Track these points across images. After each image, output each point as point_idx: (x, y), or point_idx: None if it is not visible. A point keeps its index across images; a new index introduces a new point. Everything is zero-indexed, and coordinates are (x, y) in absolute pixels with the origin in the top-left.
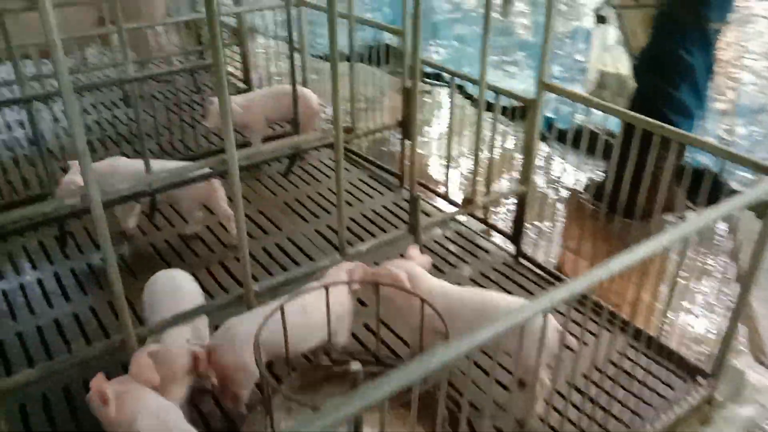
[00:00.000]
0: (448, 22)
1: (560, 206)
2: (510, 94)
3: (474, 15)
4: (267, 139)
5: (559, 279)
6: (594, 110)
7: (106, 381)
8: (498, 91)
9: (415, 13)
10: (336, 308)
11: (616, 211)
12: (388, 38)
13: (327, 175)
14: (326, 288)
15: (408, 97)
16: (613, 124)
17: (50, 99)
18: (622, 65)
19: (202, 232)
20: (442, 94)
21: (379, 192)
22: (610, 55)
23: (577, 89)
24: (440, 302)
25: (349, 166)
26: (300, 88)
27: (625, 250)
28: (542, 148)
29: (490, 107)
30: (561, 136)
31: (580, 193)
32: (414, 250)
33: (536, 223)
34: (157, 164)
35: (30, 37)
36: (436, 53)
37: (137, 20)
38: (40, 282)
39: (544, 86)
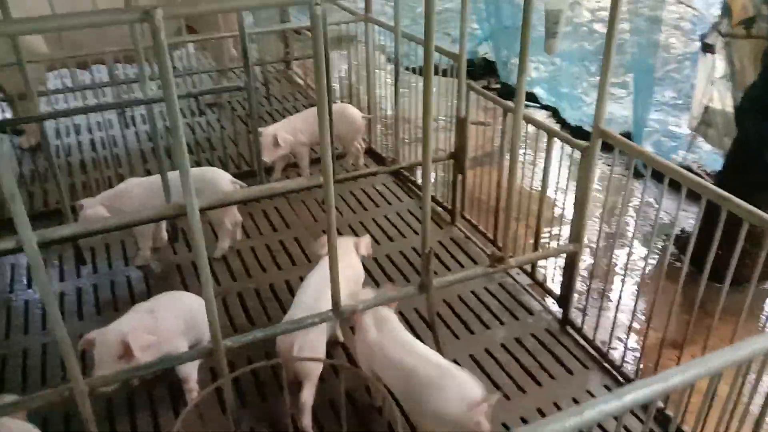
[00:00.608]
0: None
1: (638, 262)
2: (566, 139)
3: (585, 30)
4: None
5: (607, 359)
6: (700, 147)
7: None
8: (551, 133)
9: (461, 35)
10: (347, 272)
11: (703, 271)
12: (483, 50)
13: (376, 203)
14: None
15: (461, 128)
16: (718, 164)
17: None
18: (729, 101)
19: (231, 258)
20: (537, 115)
21: None
22: (717, 89)
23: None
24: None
25: (403, 196)
26: (342, 106)
27: (714, 353)
28: (635, 188)
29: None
30: (658, 175)
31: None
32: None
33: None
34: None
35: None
36: (536, 70)
37: (216, 30)
38: (62, 296)
39: (599, 133)
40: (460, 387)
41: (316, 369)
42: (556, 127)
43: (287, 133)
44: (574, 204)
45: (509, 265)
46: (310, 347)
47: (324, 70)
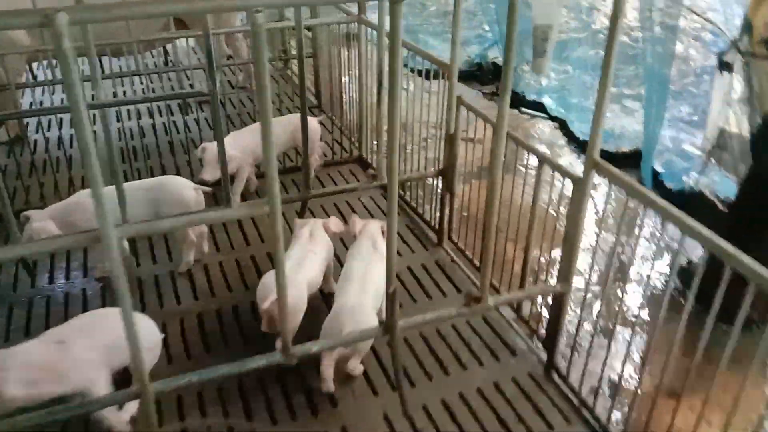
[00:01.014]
0: (570, 43)
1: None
2: (556, 167)
3: (602, 36)
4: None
5: (593, 414)
6: (713, 170)
7: None
8: (542, 159)
9: (453, 42)
10: (325, 252)
11: (708, 309)
12: (494, 55)
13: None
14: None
15: (450, 144)
16: (733, 190)
17: None
18: (746, 126)
19: (196, 273)
20: (543, 127)
21: (410, 248)
22: (734, 111)
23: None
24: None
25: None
26: (295, 116)
27: None
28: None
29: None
30: (671, 198)
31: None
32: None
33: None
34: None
35: None
36: (546, 78)
37: (213, 27)
38: (11, 310)
39: (593, 164)
40: (352, 312)
41: (295, 322)
42: (563, 141)
43: (235, 149)
44: (564, 240)
45: (486, 306)
46: (291, 306)
47: (266, 82)
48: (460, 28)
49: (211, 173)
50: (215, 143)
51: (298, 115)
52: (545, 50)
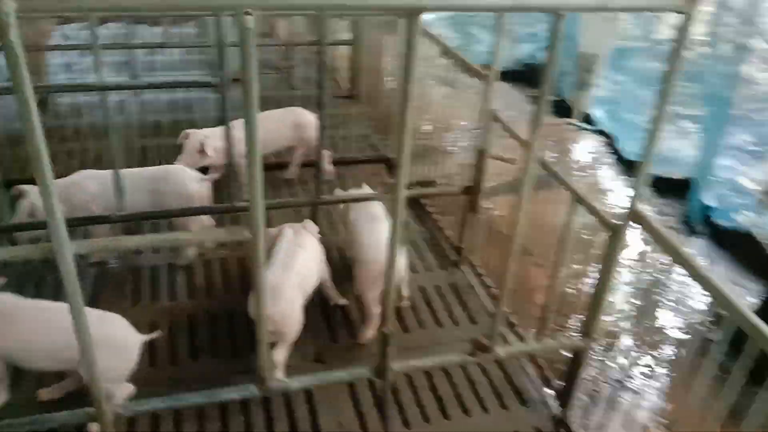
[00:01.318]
0: (628, 52)
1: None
2: (593, 211)
3: (661, 48)
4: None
5: None
6: None
7: None
8: (576, 198)
9: (494, 54)
10: (317, 254)
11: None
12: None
13: None
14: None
15: (479, 161)
16: None
17: None
18: None
19: (196, 268)
20: (589, 141)
21: (427, 267)
22: None
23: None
24: None
25: (409, 220)
26: (292, 110)
27: None
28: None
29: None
30: (719, 236)
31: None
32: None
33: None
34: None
35: None
36: (598, 88)
37: None
38: None
39: (633, 215)
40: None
41: (291, 332)
42: (609, 158)
43: (223, 140)
44: (593, 293)
45: (495, 356)
46: (282, 313)
47: (254, 89)
48: (505, 35)
49: (187, 161)
50: (199, 131)
51: (298, 108)
52: (589, 83)
